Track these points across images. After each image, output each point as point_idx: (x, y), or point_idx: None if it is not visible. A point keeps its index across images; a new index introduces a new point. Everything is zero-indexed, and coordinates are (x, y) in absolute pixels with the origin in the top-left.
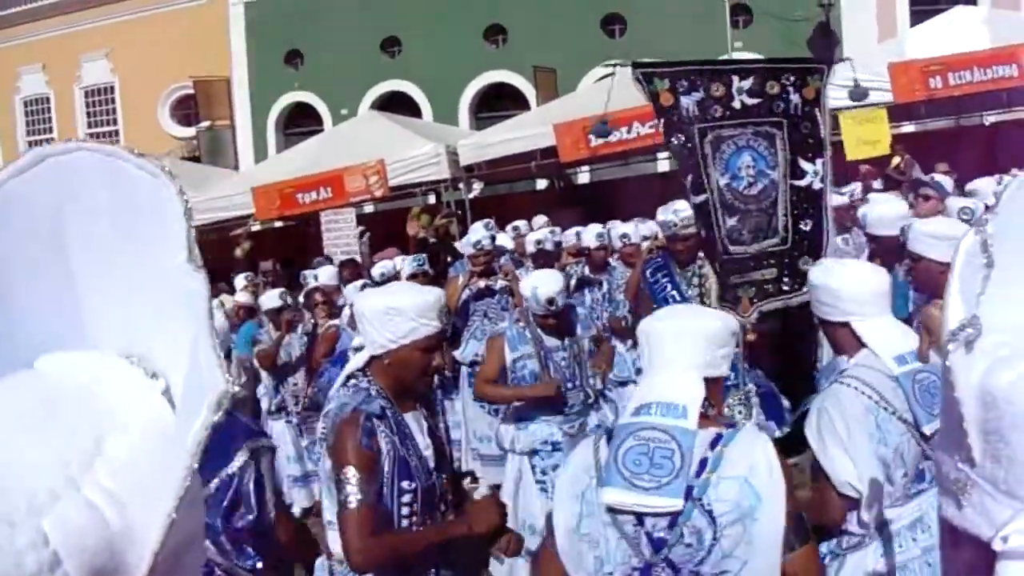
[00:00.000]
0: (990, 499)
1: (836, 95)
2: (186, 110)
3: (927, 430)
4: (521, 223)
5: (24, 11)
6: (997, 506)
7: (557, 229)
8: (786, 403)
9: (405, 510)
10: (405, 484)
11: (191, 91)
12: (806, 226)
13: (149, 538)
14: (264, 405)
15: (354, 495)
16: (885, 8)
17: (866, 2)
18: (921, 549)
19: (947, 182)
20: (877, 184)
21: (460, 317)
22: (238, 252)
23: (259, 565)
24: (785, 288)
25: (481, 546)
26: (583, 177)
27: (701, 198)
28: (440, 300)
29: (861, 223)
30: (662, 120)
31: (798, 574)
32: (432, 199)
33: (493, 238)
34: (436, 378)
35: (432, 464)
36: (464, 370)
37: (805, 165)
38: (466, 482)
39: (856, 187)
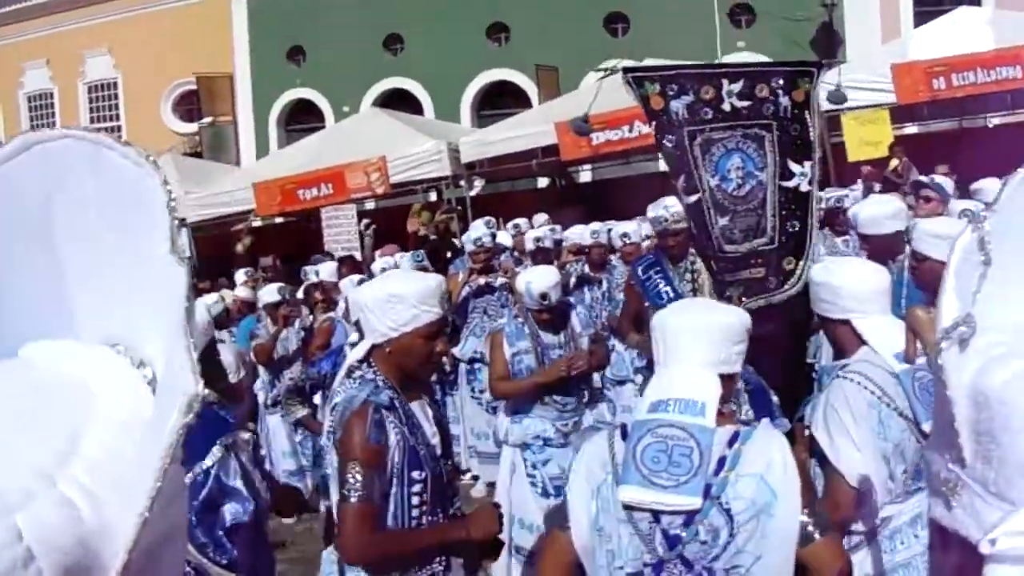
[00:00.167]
0: (980, 500)
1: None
2: (188, 106)
3: (927, 427)
4: (521, 221)
5: (28, 7)
6: (987, 508)
7: (557, 227)
8: (775, 399)
9: (416, 499)
10: (416, 474)
11: (194, 87)
12: (793, 227)
13: (125, 536)
14: (261, 399)
15: (356, 490)
16: (888, 8)
17: (869, 2)
18: (923, 546)
19: (947, 184)
20: (878, 186)
21: (460, 314)
22: (239, 247)
23: (235, 558)
24: (770, 286)
25: (479, 550)
26: (584, 175)
27: (693, 198)
28: (441, 286)
29: (852, 223)
30: (653, 123)
31: (817, 565)
32: (433, 196)
33: (494, 236)
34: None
35: (439, 452)
36: (463, 367)
37: (794, 167)
38: (466, 478)
39: (858, 188)
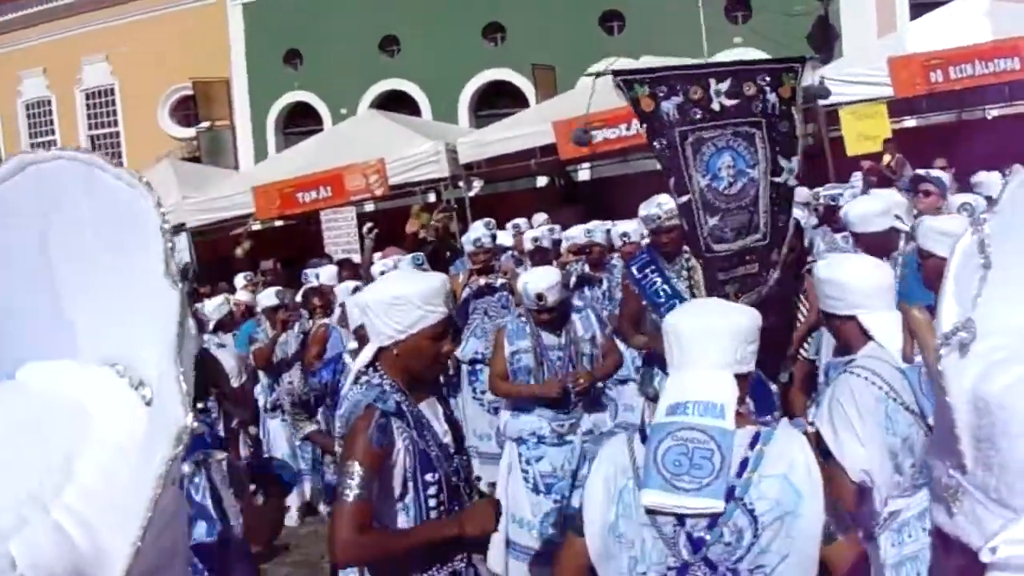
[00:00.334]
0: (981, 507)
1: (834, 90)
2: (186, 111)
3: (932, 421)
4: (521, 221)
5: (24, 16)
6: (988, 515)
7: (556, 227)
8: (774, 387)
9: (432, 501)
10: (429, 477)
11: (191, 92)
12: (782, 222)
13: (119, 564)
14: (261, 402)
15: (352, 489)
16: (884, 2)
17: None
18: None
19: (945, 178)
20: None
21: (460, 315)
22: (238, 252)
23: None
24: (762, 281)
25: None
26: (583, 174)
27: (684, 198)
28: (445, 285)
29: (843, 222)
30: (645, 125)
31: (838, 563)
32: (432, 197)
33: (494, 237)
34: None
35: (452, 449)
36: (464, 368)
37: (783, 163)
38: None
39: (857, 184)
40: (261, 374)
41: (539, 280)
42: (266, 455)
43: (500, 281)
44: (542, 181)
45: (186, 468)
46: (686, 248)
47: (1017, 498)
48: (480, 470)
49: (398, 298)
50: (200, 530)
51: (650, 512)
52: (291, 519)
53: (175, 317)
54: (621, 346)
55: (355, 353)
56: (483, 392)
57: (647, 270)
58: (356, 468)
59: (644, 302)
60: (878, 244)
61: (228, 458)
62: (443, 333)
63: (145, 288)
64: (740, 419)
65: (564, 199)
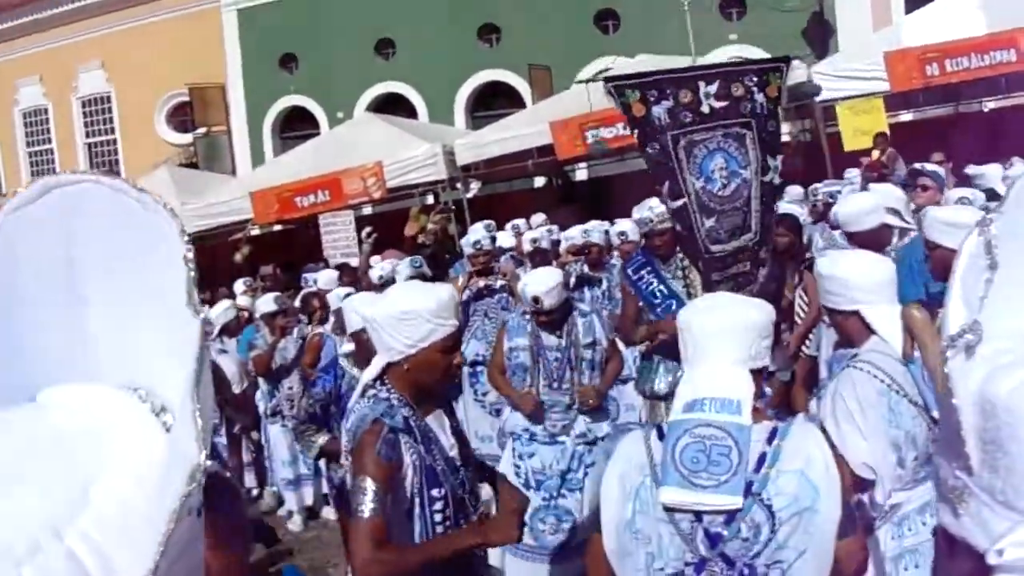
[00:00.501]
0: (987, 510)
1: (830, 85)
2: (182, 117)
3: (936, 414)
4: (520, 222)
5: (20, 24)
6: (994, 517)
7: (554, 228)
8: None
9: (438, 516)
10: (435, 492)
11: (187, 98)
12: (767, 220)
13: None
14: (261, 408)
15: (367, 505)
16: None
17: None
18: (930, 533)
19: (940, 172)
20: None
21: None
22: (238, 257)
23: None
24: (753, 278)
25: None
26: (581, 174)
27: (679, 203)
28: (453, 297)
29: (833, 222)
30: (636, 131)
31: (844, 560)
32: (430, 199)
33: (493, 239)
34: None
35: (458, 462)
36: (465, 370)
37: (770, 161)
38: None
39: (856, 180)
40: (261, 380)
41: (537, 283)
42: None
43: (500, 283)
44: (540, 181)
45: None
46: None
47: (1023, 501)
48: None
49: (408, 313)
50: None
51: (668, 509)
52: (295, 524)
53: (194, 350)
54: (622, 346)
55: (350, 357)
56: (484, 394)
57: (643, 272)
58: (369, 484)
59: (641, 303)
60: (870, 241)
61: (218, 472)
62: (454, 346)
63: (167, 315)
64: (756, 414)
65: (562, 199)
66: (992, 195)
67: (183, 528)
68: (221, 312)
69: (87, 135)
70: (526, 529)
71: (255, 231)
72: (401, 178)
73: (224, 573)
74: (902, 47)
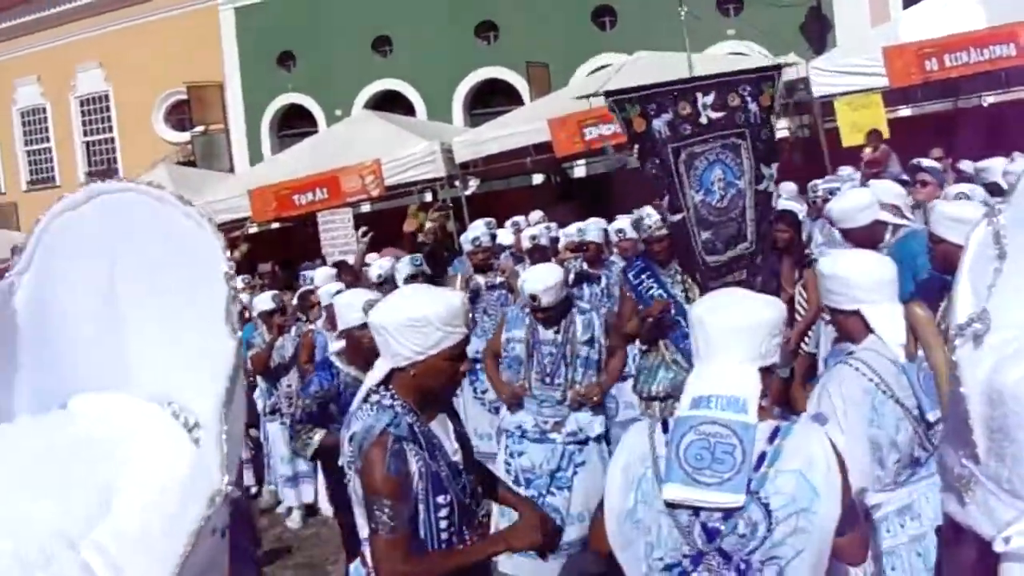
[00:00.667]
0: (993, 498)
1: (828, 81)
2: (180, 115)
3: (931, 416)
4: (520, 219)
5: (18, 24)
6: (1000, 505)
7: (553, 224)
8: None
9: (443, 523)
10: (440, 499)
11: (185, 97)
12: (764, 228)
13: None
14: (260, 406)
15: (386, 524)
16: None
17: None
18: (909, 537)
19: (939, 167)
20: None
21: None
22: (235, 255)
23: None
24: (748, 285)
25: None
26: (579, 171)
27: (678, 217)
28: (465, 304)
29: (827, 219)
30: (636, 147)
31: (845, 555)
32: (428, 197)
33: (493, 236)
34: None
35: (461, 466)
36: None
37: (763, 170)
38: None
39: (855, 176)
40: (259, 378)
41: (536, 281)
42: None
43: (499, 279)
44: (538, 179)
45: None
46: None
47: None
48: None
49: (418, 320)
50: None
51: (669, 504)
52: (293, 521)
53: (228, 370)
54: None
55: (342, 355)
56: (484, 392)
57: (643, 275)
58: (384, 501)
59: (640, 306)
60: (864, 237)
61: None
62: (462, 354)
63: (204, 332)
64: (762, 413)
65: (560, 196)
66: (995, 189)
67: (205, 547)
68: None
69: (85, 134)
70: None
71: (253, 229)
72: (399, 176)
73: None
74: (900, 42)
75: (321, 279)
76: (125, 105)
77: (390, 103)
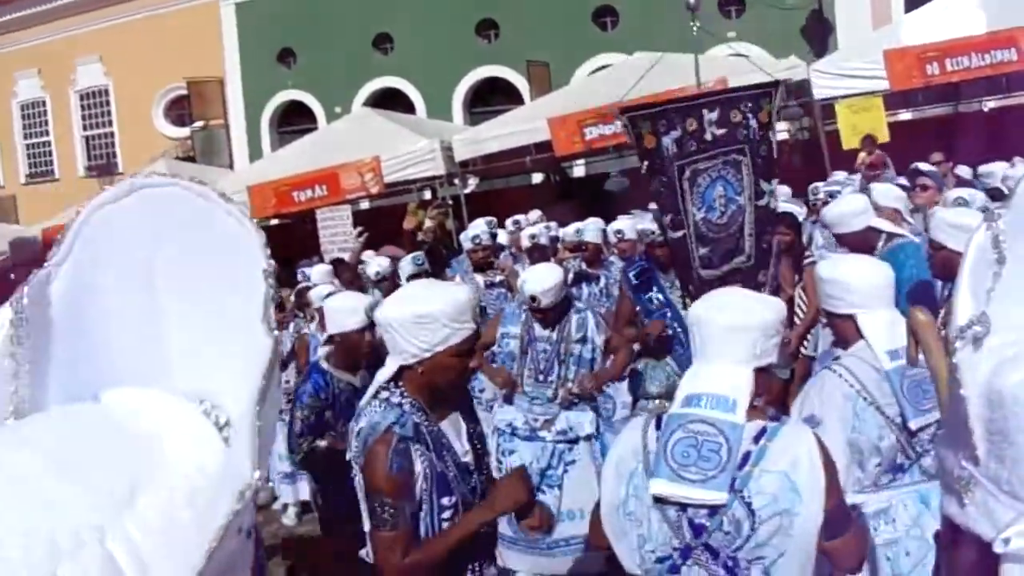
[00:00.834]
0: (993, 499)
1: (829, 83)
2: (180, 111)
3: (913, 425)
4: (522, 217)
5: (19, 17)
6: (1000, 507)
7: (553, 224)
8: None
9: (447, 524)
10: (445, 500)
11: (185, 92)
12: (765, 244)
13: None
14: None
15: (387, 521)
16: None
17: None
18: (883, 540)
19: (935, 172)
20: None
21: None
22: None
23: None
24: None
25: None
26: (578, 171)
27: (679, 234)
28: (472, 299)
29: (823, 223)
30: (646, 163)
31: (837, 555)
32: (428, 195)
33: (494, 235)
34: None
35: (472, 467)
36: None
37: (763, 185)
38: None
39: (855, 179)
40: None
41: (536, 281)
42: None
43: (498, 278)
44: (537, 178)
45: None
46: None
47: None
48: None
49: (423, 316)
50: None
51: (656, 499)
52: (289, 518)
53: (264, 367)
54: None
55: (329, 359)
56: (481, 391)
57: (643, 277)
58: (385, 499)
59: (637, 307)
60: (857, 243)
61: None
62: (470, 350)
63: (240, 329)
64: (753, 412)
65: (559, 196)
66: (996, 194)
67: (230, 546)
68: None
69: (85, 128)
70: (507, 518)
71: None
72: (399, 173)
73: None
74: (902, 46)
75: (318, 276)
76: (125, 99)
77: (390, 100)
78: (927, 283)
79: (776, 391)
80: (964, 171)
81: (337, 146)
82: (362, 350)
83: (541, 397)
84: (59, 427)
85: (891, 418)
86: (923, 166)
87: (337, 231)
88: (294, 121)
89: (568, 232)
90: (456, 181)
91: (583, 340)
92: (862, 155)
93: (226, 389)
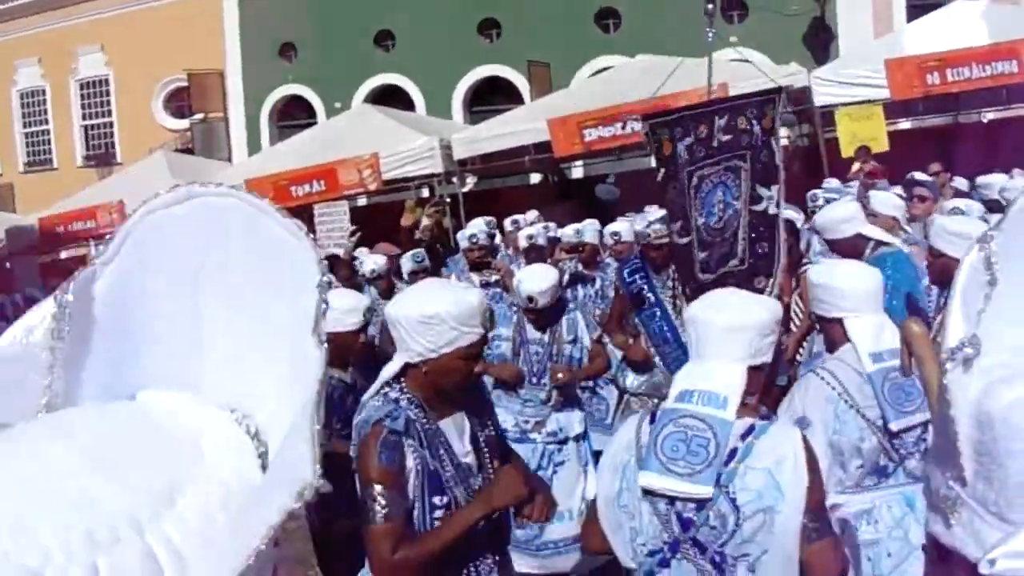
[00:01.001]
0: (979, 520)
1: (830, 91)
2: (180, 102)
3: (894, 426)
4: (520, 217)
5: (19, 5)
6: (986, 527)
7: (551, 224)
8: None
9: (438, 524)
10: (436, 499)
11: (185, 83)
12: (762, 249)
13: None
14: None
15: (378, 512)
16: (881, 2)
17: None
18: (862, 541)
19: (931, 183)
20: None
21: None
22: None
23: None
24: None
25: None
26: (577, 172)
27: (685, 240)
28: (483, 303)
29: (814, 228)
30: (663, 171)
31: (816, 565)
32: (426, 193)
33: (492, 235)
34: None
35: (474, 469)
36: None
37: (762, 191)
38: None
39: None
40: None
41: (533, 282)
42: None
43: (494, 277)
44: (536, 178)
45: None
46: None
47: (1015, 512)
48: None
49: (431, 317)
50: None
51: (646, 492)
52: None
53: (317, 377)
54: (610, 348)
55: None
56: None
57: (636, 276)
58: (377, 489)
59: (627, 294)
60: (846, 249)
61: None
62: (478, 354)
63: (287, 343)
64: (744, 410)
65: (558, 196)
66: (995, 206)
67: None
68: None
69: (84, 117)
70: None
71: None
72: (397, 170)
73: None
74: (903, 55)
75: None
76: (125, 90)
77: (390, 97)
78: (907, 294)
79: (774, 398)
80: (961, 183)
81: (336, 142)
82: (354, 349)
83: (534, 399)
84: (97, 423)
85: (872, 420)
86: (919, 176)
87: (334, 227)
88: (294, 116)
89: (567, 233)
90: (454, 180)
91: (574, 341)
92: (856, 164)
93: (268, 393)
